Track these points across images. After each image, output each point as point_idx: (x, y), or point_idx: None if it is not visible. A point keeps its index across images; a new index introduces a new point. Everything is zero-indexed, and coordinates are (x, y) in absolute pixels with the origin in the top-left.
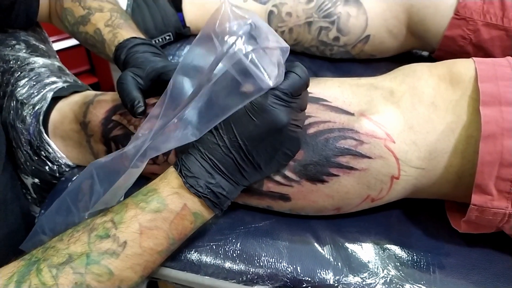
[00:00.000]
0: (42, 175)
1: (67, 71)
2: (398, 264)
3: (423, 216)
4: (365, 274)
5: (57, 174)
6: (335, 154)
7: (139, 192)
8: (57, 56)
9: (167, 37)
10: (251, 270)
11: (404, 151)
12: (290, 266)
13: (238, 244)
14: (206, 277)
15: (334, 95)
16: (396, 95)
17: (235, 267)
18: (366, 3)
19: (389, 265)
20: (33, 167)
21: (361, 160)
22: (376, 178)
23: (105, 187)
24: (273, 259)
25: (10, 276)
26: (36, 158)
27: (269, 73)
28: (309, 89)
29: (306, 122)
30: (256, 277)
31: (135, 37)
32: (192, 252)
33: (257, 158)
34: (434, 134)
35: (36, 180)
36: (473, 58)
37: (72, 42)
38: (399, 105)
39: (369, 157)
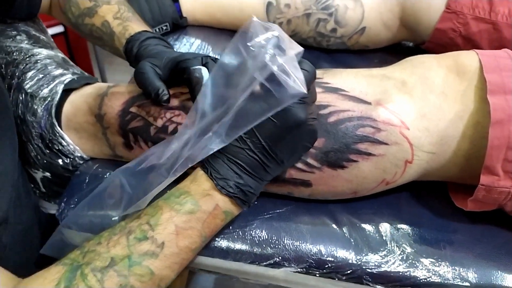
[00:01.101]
0: (54, 168)
1: (71, 62)
2: (412, 241)
3: (429, 197)
4: (384, 252)
5: (71, 167)
6: (354, 141)
7: (170, 194)
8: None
9: (164, 28)
10: (278, 253)
11: (417, 137)
12: (313, 247)
13: (263, 229)
14: (234, 262)
15: (351, 85)
16: (408, 85)
17: (262, 251)
18: None
19: (404, 243)
20: (45, 161)
21: (378, 146)
22: (392, 163)
23: (137, 193)
24: (298, 242)
25: (57, 283)
26: (48, 151)
27: (300, 80)
28: (327, 80)
29: (327, 111)
30: (282, 259)
31: (146, 31)
32: (219, 239)
33: (280, 154)
34: (444, 121)
35: (47, 174)
36: (475, 50)
37: (51, 31)
38: (411, 95)
39: (386, 144)
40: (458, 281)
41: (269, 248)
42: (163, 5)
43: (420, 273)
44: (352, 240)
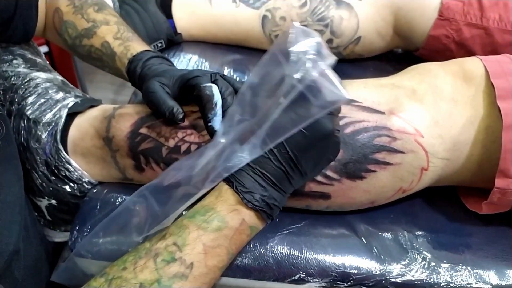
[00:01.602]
0: (61, 195)
1: (71, 85)
2: (432, 248)
3: (442, 202)
4: (406, 261)
5: (78, 193)
6: (372, 151)
7: (195, 212)
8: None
9: (159, 44)
10: (301, 269)
11: (431, 144)
12: (336, 260)
13: (284, 245)
14: (257, 281)
15: (363, 96)
16: (418, 93)
17: (285, 268)
18: (356, 6)
19: (424, 250)
20: (51, 188)
21: (395, 155)
22: (408, 171)
23: (166, 210)
24: (320, 256)
25: None
26: (54, 178)
27: (341, 86)
28: None
29: (342, 122)
30: (306, 275)
31: (148, 50)
32: (241, 258)
33: (305, 166)
34: (456, 127)
35: (53, 201)
36: (478, 56)
37: None
38: (422, 102)
39: (402, 152)
40: (480, 284)
41: (292, 264)
42: (157, 22)
43: (442, 279)
44: (374, 251)
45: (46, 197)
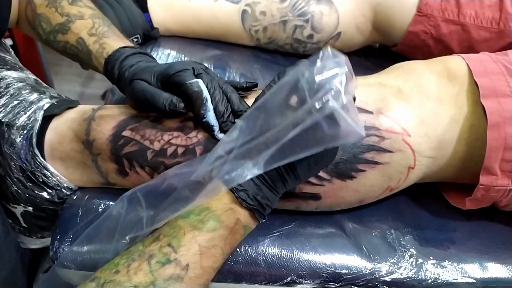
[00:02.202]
0: (38, 202)
1: (44, 84)
2: (418, 245)
3: (425, 198)
4: (394, 259)
5: (57, 200)
6: (361, 151)
7: (190, 212)
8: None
9: (135, 40)
10: (292, 271)
11: (418, 143)
12: (327, 261)
13: (275, 248)
14: (249, 284)
15: None
16: (404, 92)
17: (276, 270)
18: (336, 2)
19: (411, 247)
20: (27, 195)
21: (384, 154)
22: (396, 170)
23: (156, 214)
24: (311, 257)
25: None
26: (31, 184)
27: (360, 122)
28: None
29: None
30: (297, 277)
31: (124, 47)
32: (232, 263)
33: (300, 171)
34: (441, 125)
35: (30, 208)
36: (460, 54)
37: None
38: (409, 102)
39: (391, 151)
40: (466, 279)
41: (283, 267)
42: (133, 16)
43: (430, 275)
44: (363, 250)
45: (22, 204)
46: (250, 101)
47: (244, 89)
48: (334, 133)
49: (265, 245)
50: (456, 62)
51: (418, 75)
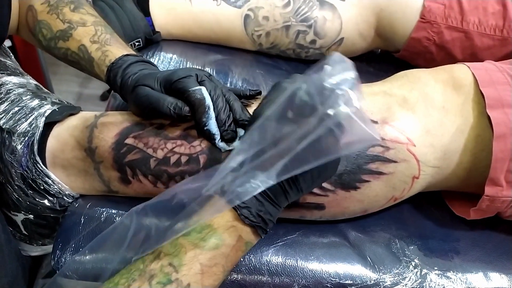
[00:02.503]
0: (39, 210)
1: (45, 89)
2: (423, 255)
3: (428, 207)
4: (399, 270)
5: (58, 207)
6: (366, 162)
7: (191, 230)
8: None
9: (137, 43)
10: (297, 282)
11: (423, 153)
12: (331, 271)
13: (279, 258)
14: None
15: None
16: (409, 101)
17: (281, 281)
18: (340, 7)
19: (415, 258)
20: (28, 202)
21: (388, 164)
22: (401, 180)
23: (166, 229)
24: (315, 267)
25: None
26: (32, 192)
27: (373, 127)
28: None
29: None
30: (302, 287)
31: (127, 55)
32: (236, 273)
33: (303, 184)
34: (447, 136)
35: (31, 216)
36: (465, 63)
37: None
38: (414, 111)
39: (395, 161)
40: None
41: (287, 277)
42: (135, 19)
43: (434, 286)
44: (367, 260)
45: (23, 212)
46: (253, 109)
47: (247, 97)
48: (348, 139)
49: (269, 254)
50: (462, 71)
51: (423, 84)
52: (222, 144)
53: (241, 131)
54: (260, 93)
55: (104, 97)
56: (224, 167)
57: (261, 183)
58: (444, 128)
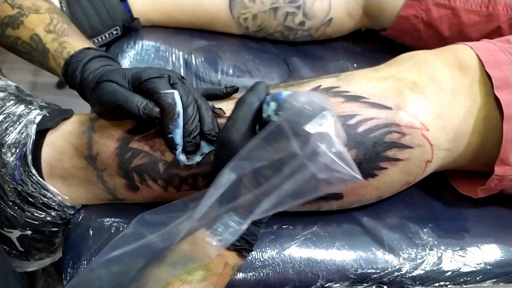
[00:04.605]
0: (38, 225)
1: (26, 91)
2: (436, 236)
3: (434, 188)
4: (416, 253)
5: (59, 221)
6: (384, 149)
7: (175, 262)
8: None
9: (114, 32)
10: (321, 276)
11: (436, 137)
12: (353, 262)
13: (301, 253)
14: None
15: (368, 91)
16: (419, 85)
17: (305, 276)
18: None
19: (431, 239)
20: (25, 218)
21: (404, 150)
22: (415, 165)
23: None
24: (337, 259)
25: None
26: (29, 207)
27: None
28: (343, 88)
29: (354, 121)
30: (327, 281)
31: (89, 48)
32: (261, 272)
33: None
34: (457, 118)
35: (28, 232)
36: (467, 43)
37: None
38: (425, 95)
39: (411, 147)
40: (483, 266)
41: (311, 272)
42: (111, 5)
43: (450, 266)
44: (386, 246)
45: (19, 228)
46: (225, 107)
47: (223, 95)
48: (329, 181)
49: (292, 251)
50: (466, 52)
51: (430, 67)
52: (182, 157)
53: (204, 146)
54: (237, 89)
55: (60, 84)
56: (200, 209)
57: (241, 226)
58: (454, 111)
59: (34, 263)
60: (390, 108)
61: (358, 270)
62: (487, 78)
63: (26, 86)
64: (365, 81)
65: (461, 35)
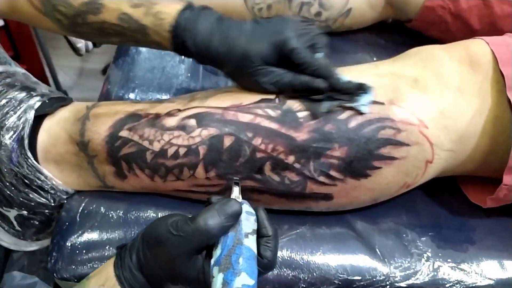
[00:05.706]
0: (33, 206)
1: (34, 78)
2: (436, 247)
3: (442, 194)
4: (410, 263)
5: (53, 203)
6: (377, 146)
7: None
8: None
9: None
10: (303, 279)
11: (436, 135)
12: (339, 267)
13: (284, 254)
14: None
15: None
16: (421, 82)
17: (286, 277)
18: None
19: (428, 250)
20: (21, 198)
21: (400, 148)
22: (413, 165)
23: None
24: (322, 263)
25: None
26: (25, 188)
27: None
28: None
29: (344, 116)
30: (308, 285)
31: (183, 9)
32: None
33: None
34: (463, 118)
35: (24, 212)
36: (484, 38)
37: None
38: (426, 92)
39: (407, 145)
40: (485, 281)
41: (292, 274)
42: None
43: (448, 279)
44: (377, 253)
45: (16, 208)
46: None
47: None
48: None
49: None
50: (480, 48)
51: (437, 63)
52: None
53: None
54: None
55: (105, 71)
56: None
57: None
58: (459, 110)
59: (33, 243)
60: (381, 103)
61: (343, 275)
62: (500, 76)
63: (75, 72)
64: (359, 77)
65: (493, 28)
